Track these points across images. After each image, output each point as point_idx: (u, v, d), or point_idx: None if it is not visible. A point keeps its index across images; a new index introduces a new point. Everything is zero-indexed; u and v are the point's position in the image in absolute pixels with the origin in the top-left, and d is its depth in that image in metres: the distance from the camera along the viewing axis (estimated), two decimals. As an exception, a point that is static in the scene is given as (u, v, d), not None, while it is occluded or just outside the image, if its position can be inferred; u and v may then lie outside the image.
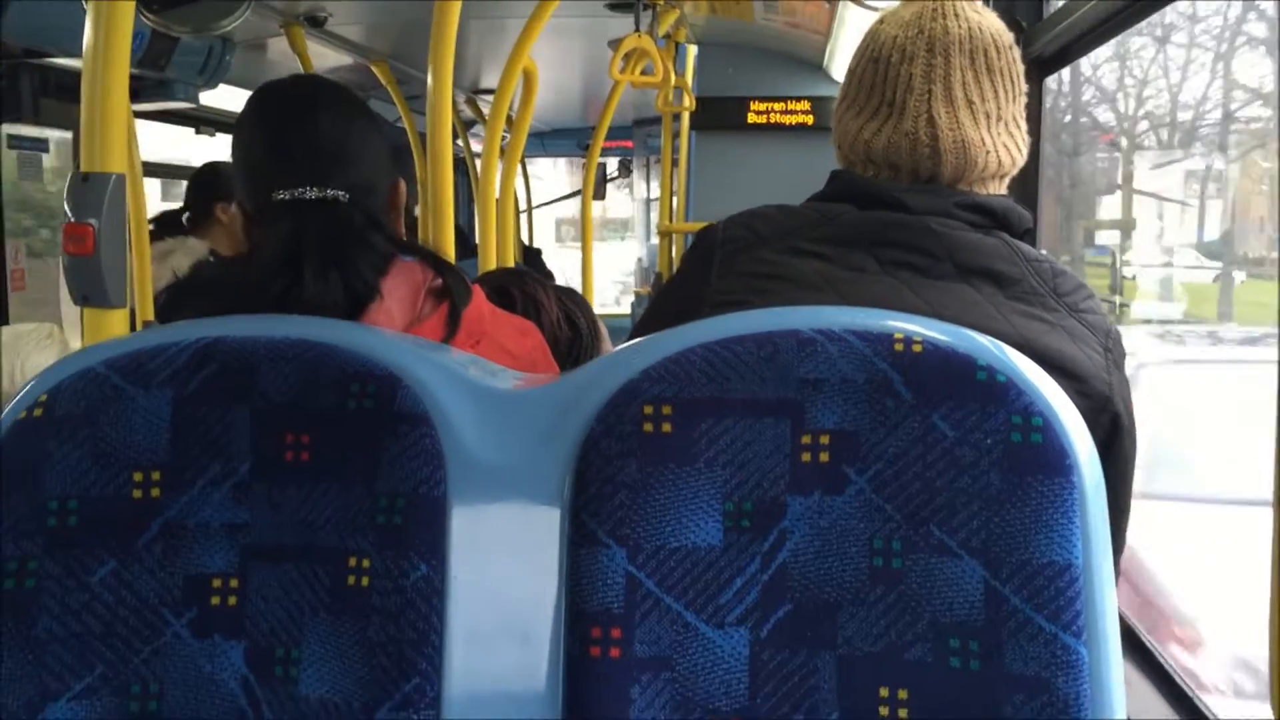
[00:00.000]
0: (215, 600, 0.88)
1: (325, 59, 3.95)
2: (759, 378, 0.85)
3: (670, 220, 4.76)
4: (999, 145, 1.13)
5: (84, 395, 0.89)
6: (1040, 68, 1.80)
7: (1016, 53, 1.17)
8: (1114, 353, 1.08)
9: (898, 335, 0.84)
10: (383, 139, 1.25)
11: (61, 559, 0.87)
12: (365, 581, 0.86)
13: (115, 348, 0.90)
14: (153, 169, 4.12)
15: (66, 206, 1.07)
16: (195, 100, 3.45)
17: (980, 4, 1.18)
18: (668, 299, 1.19)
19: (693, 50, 4.23)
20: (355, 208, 1.17)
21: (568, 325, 1.67)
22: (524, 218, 7.21)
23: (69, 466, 0.88)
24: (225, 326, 0.92)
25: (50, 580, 0.87)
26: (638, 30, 3.16)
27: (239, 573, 0.88)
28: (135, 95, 3.24)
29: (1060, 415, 0.82)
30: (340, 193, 1.16)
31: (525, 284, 1.67)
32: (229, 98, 3.84)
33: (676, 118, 4.56)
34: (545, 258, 6.16)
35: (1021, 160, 1.18)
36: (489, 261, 2.86)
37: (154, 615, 0.88)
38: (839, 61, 4.33)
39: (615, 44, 3.77)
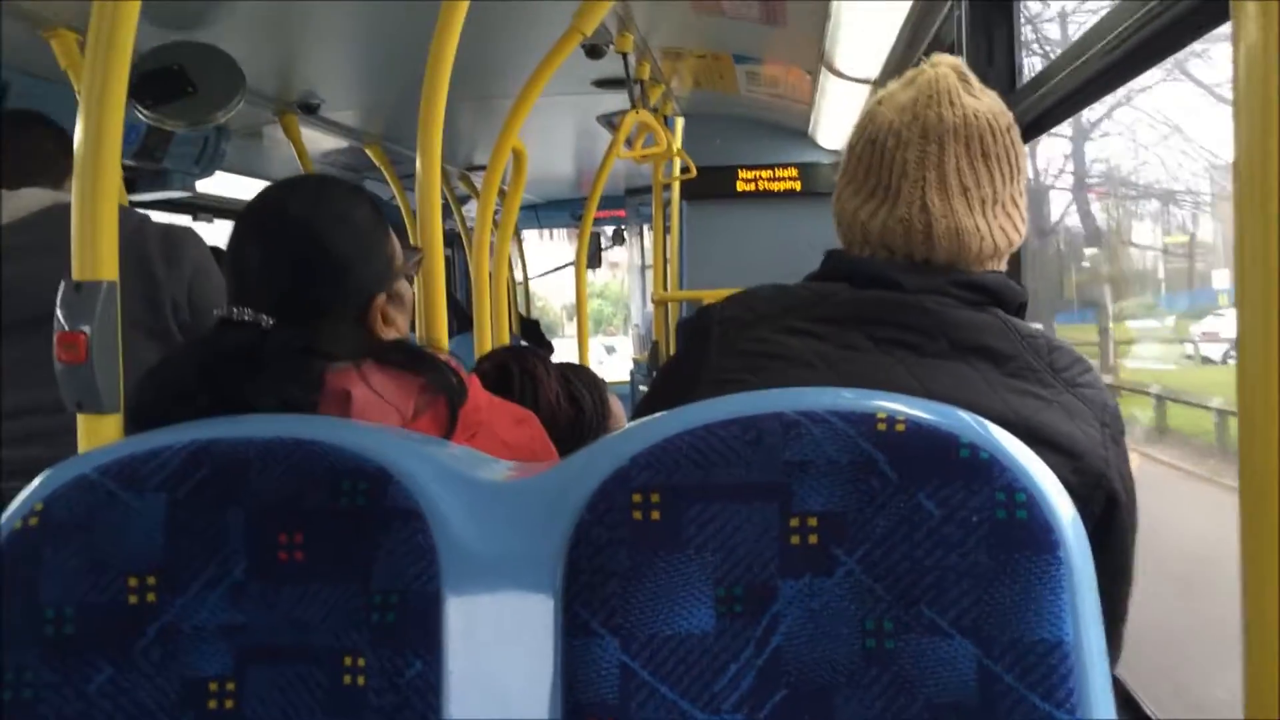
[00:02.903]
0: (213, 704, 0.88)
1: (319, 143, 4.01)
2: (745, 462, 0.85)
3: (664, 288, 4.80)
4: (995, 229, 1.14)
5: (79, 502, 0.89)
6: (1017, 136, 1.82)
7: (1015, 133, 1.17)
8: (1111, 427, 1.08)
9: (880, 415, 0.85)
10: (375, 247, 1.25)
11: (58, 668, 0.87)
12: (361, 680, 0.86)
13: (109, 454, 0.91)
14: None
15: (59, 315, 1.08)
16: (192, 189, 3.50)
17: (979, 87, 1.18)
18: (667, 379, 1.20)
19: (680, 122, 4.30)
20: (307, 330, 1.18)
21: (569, 403, 1.66)
22: (520, 290, 7.25)
23: (65, 574, 0.88)
24: (217, 429, 0.93)
25: (48, 690, 0.87)
26: (634, 107, 3.21)
27: (235, 675, 0.88)
28: (132, 186, 3.28)
29: (1045, 491, 0.83)
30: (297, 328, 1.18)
31: (525, 361, 1.67)
32: (227, 184, 3.89)
33: (667, 187, 4.62)
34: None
35: (1019, 238, 1.18)
36: (484, 335, 2.88)
37: None
38: (823, 128, 4.40)
39: (605, 118, 3.83)
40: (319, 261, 1.20)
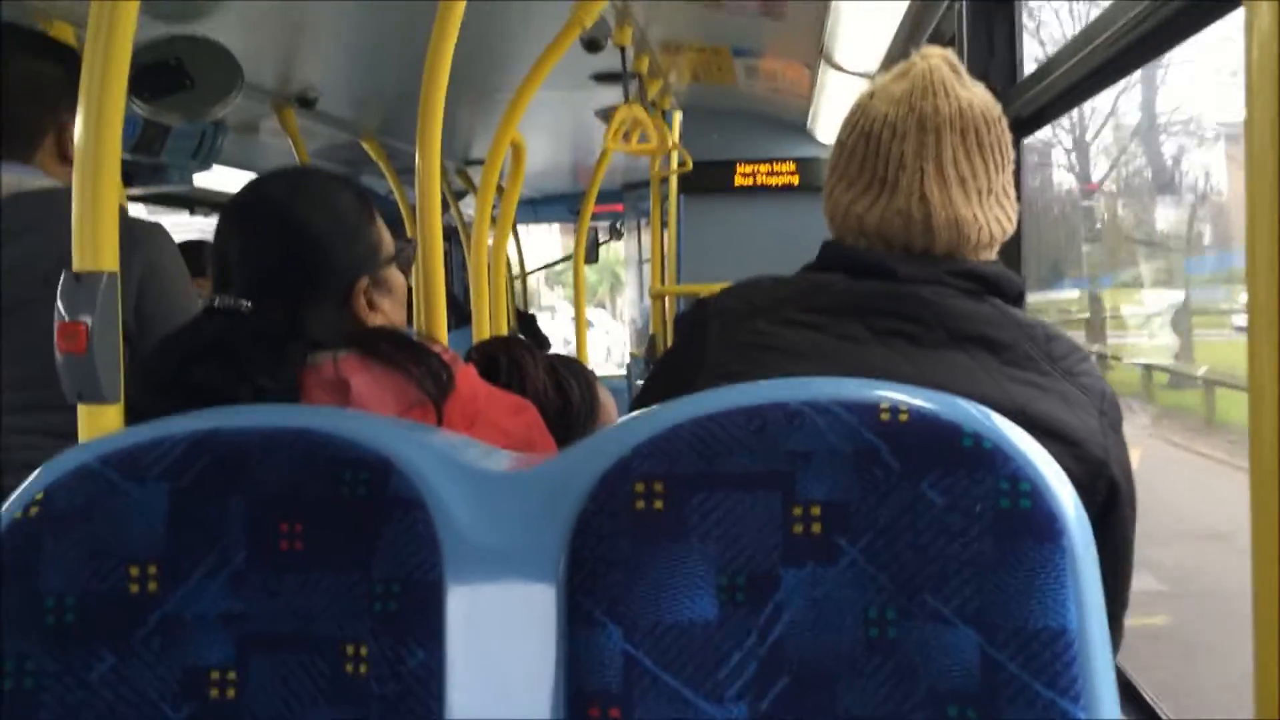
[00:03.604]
0: (214, 693, 0.88)
1: (316, 137, 4.01)
2: (748, 451, 0.85)
3: (662, 283, 4.79)
4: (990, 219, 1.15)
5: (80, 492, 0.89)
6: (1017, 129, 1.82)
7: (1004, 124, 1.18)
8: (1109, 415, 1.08)
9: (883, 405, 0.85)
10: (358, 230, 1.25)
11: (60, 657, 0.87)
12: (363, 669, 0.86)
13: (110, 443, 0.91)
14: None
15: (60, 305, 1.08)
16: (189, 183, 3.49)
17: (969, 78, 1.19)
18: (665, 371, 1.20)
19: (678, 116, 4.30)
20: (282, 314, 1.20)
21: (556, 393, 1.66)
22: (518, 284, 7.26)
23: (66, 564, 0.88)
24: (219, 418, 0.93)
25: (49, 679, 0.87)
26: (628, 100, 3.21)
27: (237, 664, 0.88)
28: (129, 180, 3.28)
29: (1048, 480, 0.83)
30: (277, 301, 1.19)
31: (512, 350, 1.68)
32: (223, 178, 3.88)
33: (665, 181, 4.62)
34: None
35: (1011, 228, 1.19)
36: (482, 330, 2.89)
37: (152, 710, 0.87)
38: (822, 123, 4.40)
39: (603, 113, 3.83)
40: (295, 240, 1.21)
